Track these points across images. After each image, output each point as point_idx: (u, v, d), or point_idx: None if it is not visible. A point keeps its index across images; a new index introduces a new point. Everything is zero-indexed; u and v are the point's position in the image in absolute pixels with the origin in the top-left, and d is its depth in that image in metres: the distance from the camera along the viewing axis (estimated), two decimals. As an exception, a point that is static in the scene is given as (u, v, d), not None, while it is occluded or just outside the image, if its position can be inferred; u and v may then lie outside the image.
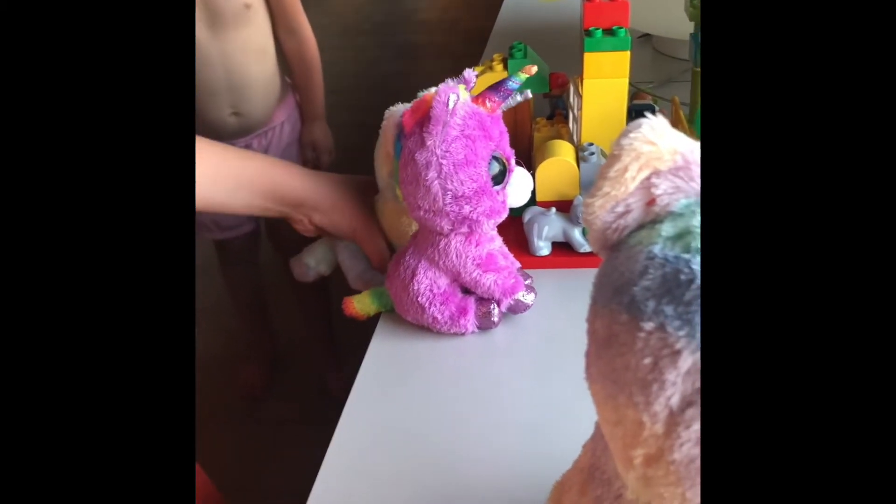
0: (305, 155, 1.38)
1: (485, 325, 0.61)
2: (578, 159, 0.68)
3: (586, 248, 0.66)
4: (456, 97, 0.53)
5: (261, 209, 0.68)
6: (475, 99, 0.56)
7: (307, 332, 1.65)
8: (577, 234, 0.66)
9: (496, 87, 0.56)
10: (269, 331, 1.69)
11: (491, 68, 0.70)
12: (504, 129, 0.57)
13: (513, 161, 0.58)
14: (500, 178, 0.57)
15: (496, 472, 0.49)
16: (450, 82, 0.55)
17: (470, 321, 0.61)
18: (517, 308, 0.62)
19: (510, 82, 0.56)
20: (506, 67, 0.70)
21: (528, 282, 0.62)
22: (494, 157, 0.56)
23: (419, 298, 0.60)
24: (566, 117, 0.76)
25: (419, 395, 0.57)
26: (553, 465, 0.39)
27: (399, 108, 0.61)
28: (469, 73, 0.57)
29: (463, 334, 0.62)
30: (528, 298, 0.61)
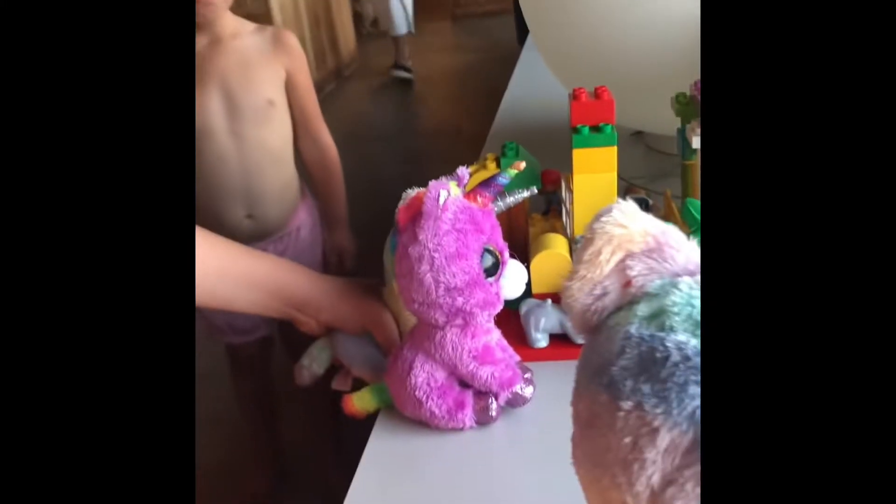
0: (330, 259, 1.39)
1: (483, 419, 0.61)
2: (572, 252, 0.69)
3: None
4: (447, 193, 0.55)
5: (265, 308, 0.69)
6: (467, 195, 0.58)
7: (314, 436, 1.63)
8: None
9: (487, 183, 0.58)
10: (277, 439, 1.67)
11: (484, 167, 0.72)
12: (496, 223, 0.59)
13: (506, 254, 0.59)
14: (493, 270, 0.58)
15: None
16: (443, 179, 0.57)
17: (468, 416, 0.60)
18: (516, 401, 0.61)
19: (500, 178, 0.58)
20: (498, 165, 0.72)
21: (526, 375, 0.62)
22: (487, 250, 0.57)
23: (416, 392, 0.60)
24: (560, 212, 0.77)
25: (418, 493, 0.56)
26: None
27: (412, 194, 0.63)
28: (462, 170, 0.59)
29: (461, 429, 0.61)
30: (527, 391, 0.61)
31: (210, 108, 1.18)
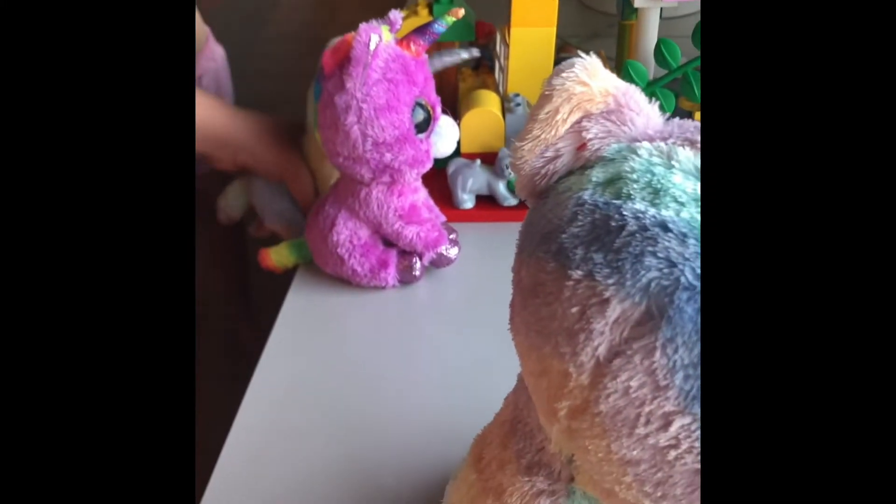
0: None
1: (406, 278, 0.60)
2: (504, 110, 0.67)
3: (511, 201, 0.65)
4: (378, 38, 0.50)
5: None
6: (400, 42, 0.54)
7: (221, 287, 1.60)
8: (501, 188, 0.65)
9: (422, 30, 0.54)
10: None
11: (416, 13, 0.67)
12: (430, 74, 0.55)
13: (439, 109, 0.56)
14: (424, 125, 0.55)
15: (416, 428, 0.48)
16: (373, 23, 0.53)
17: (391, 274, 0.59)
18: (440, 262, 0.60)
19: (436, 25, 0.54)
20: (431, 12, 0.67)
21: (452, 236, 0.60)
22: (419, 104, 0.54)
23: (338, 249, 0.58)
24: (491, 68, 0.74)
25: (336, 351, 0.55)
26: (474, 419, 0.38)
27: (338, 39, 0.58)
28: (395, 13, 0.54)
29: (384, 288, 0.60)
30: (452, 252, 0.60)
31: None
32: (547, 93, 0.28)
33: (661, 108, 0.29)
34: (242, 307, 1.60)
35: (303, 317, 0.59)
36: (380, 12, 0.54)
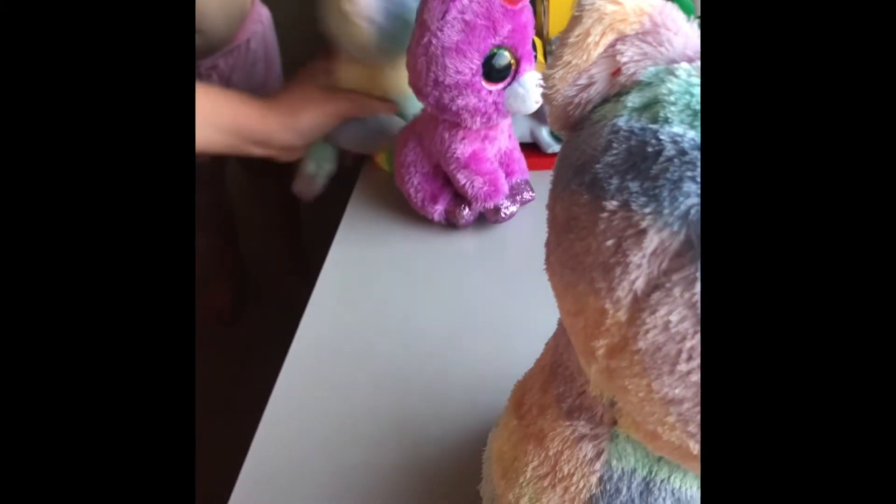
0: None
1: (452, 220, 0.59)
2: (546, 54, 0.64)
3: (555, 147, 0.63)
4: None
5: (225, 146, 0.64)
6: None
7: (273, 249, 1.62)
8: (544, 134, 0.63)
9: None
10: (236, 251, 1.66)
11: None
12: (525, 24, 0.52)
13: (526, 64, 0.53)
14: (500, 74, 0.52)
15: (459, 377, 0.48)
16: None
17: (437, 211, 0.59)
18: (491, 217, 0.59)
19: None
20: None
21: (521, 195, 0.59)
22: (502, 50, 0.51)
23: (402, 169, 0.59)
24: (534, 10, 0.72)
25: (379, 300, 0.55)
26: (516, 365, 0.37)
27: None
28: None
29: (431, 220, 0.60)
30: (507, 210, 0.58)
31: None
32: (577, 14, 0.26)
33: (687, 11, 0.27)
34: (299, 274, 1.62)
35: (345, 271, 0.58)
36: None
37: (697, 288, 0.23)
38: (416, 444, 0.44)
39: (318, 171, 0.72)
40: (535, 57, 0.53)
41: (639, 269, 0.24)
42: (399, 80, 0.62)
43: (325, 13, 0.59)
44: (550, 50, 0.63)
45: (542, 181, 0.59)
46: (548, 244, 0.29)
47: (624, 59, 0.27)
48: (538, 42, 0.65)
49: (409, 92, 0.55)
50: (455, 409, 0.45)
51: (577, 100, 0.28)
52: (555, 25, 0.65)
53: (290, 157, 0.68)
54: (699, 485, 0.30)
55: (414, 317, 0.53)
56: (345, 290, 0.56)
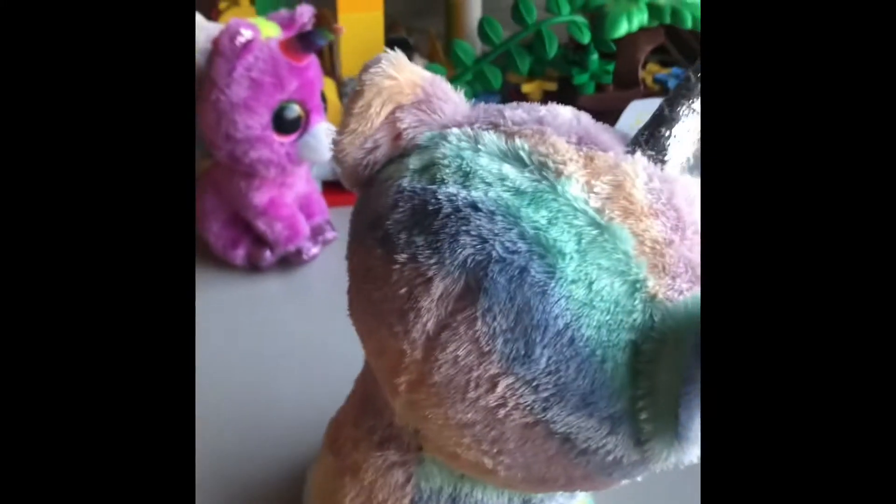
0: None
1: (255, 263, 0.60)
2: (341, 95, 0.67)
3: (354, 185, 0.67)
4: (250, 34, 0.50)
5: None
6: (282, 43, 0.53)
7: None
8: (343, 172, 0.66)
9: (304, 40, 0.53)
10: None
11: (236, 2, 0.67)
12: (313, 80, 0.54)
13: (316, 115, 0.55)
14: (291, 126, 0.54)
15: (273, 416, 0.49)
16: (259, 19, 0.53)
17: (239, 255, 0.60)
18: (293, 258, 0.61)
19: (319, 39, 0.53)
20: (252, 2, 0.67)
21: (325, 235, 0.61)
22: (293, 103, 0.53)
23: (202, 217, 0.59)
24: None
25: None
26: (329, 402, 0.39)
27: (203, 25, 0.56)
28: (302, 11, 0.54)
29: (235, 264, 0.60)
30: (309, 252, 0.60)
31: None
32: (358, 88, 0.29)
33: (490, 83, 0.30)
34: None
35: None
36: None
37: (478, 325, 0.26)
38: (234, 484, 0.45)
39: None
40: (326, 106, 0.56)
41: (429, 313, 0.27)
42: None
43: None
44: (344, 91, 0.67)
45: (346, 217, 0.62)
46: (349, 292, 0.32)
47: (403, 126, 0.30)
48: (330, 83, 0.68)
49: None
50: (272, 449, 0.46)
51: (365, 161, 0.31)
52: (346, 66, 0.68)
53: None
54: (499, 493, 0.33)
55: (225, 359, 0.54)
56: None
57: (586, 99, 0.70)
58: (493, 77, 0.66)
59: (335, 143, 0.31)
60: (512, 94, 0.70)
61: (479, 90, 0.65)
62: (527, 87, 0.69)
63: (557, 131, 0.29)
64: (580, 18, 0.66)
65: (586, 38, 0.65)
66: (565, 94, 0.71)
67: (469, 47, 0.66)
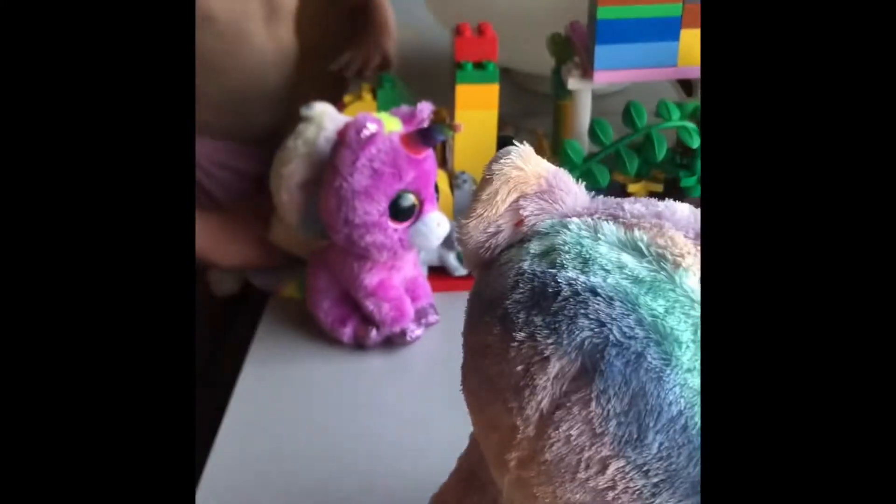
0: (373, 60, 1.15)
1: (360, 342, 0.62)
2: (452, 187, 0.71)
3: (461, 271, 0.69)
4: (376, 127, 0.54)
5: None
6: (403, 137, 0.57)
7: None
8: (451, 259, 0.68)
9: (425, 134, 0.57)
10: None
11: (360, 97, 0.72)
12: (429, 171, 0.58)
13: (430, 205, 0.59)
14: (405, 214, 0.57)
15: (376, 493, 0.50)
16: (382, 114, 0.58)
17: (346, 333, 0.62)
18: (396, 339, 0.63)
19: (438, 134, 0.57)
20: (375, 97, 0.72)
21: (428, 318, 0.63)
22: (408, 192, 0.57)
23: (314, 294, 0.62)
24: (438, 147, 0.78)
25: (293, 420, 0.57)
26: (430, 479, 0.40)
27: (319, 108, 0.61)
28: (423, 109, 0.58)
29: (342, 341, 0.63)
30: (413, 334, 0.63)
31: (248, 11, 0.95)
32: (487, 177, 0.32)
33: (598, 181, 0.32)
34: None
35: (259, 388, 0.60)
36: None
37: (593, 406, 0.27)
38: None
39: (219, 281, 0.74)
40: (438, 196, 0.59)
41: (544, 391, 0.28)
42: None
43: (272, 170, 0.63)
44: (457, 183, 0.70)
45: (449, 302, 0.64)
46: (464, 368, 0.33)
47: (526, 213, 0.32)
48: (443, 175, 0.72)
49: None
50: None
51: (487, 244, 0.33)
52: (459, 160, 0.71)
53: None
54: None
55: (328, 434, 0.56)
56: (258, 410, 0.58)
57: (692, 201, 0.70)
58: (601, 176, 0.68)
59: (461, 225, 0.33)
60: (618, 194, 0.71)
61: (587, 189, 0.67)
62: (633, 188, 0.71)
63: (676, 226, 0.30)
64: (690, 124, 0.67)
65: (696, 143, 0.67)
66: (671, 196, 0.71)
67: (579, 146, 0.68)
